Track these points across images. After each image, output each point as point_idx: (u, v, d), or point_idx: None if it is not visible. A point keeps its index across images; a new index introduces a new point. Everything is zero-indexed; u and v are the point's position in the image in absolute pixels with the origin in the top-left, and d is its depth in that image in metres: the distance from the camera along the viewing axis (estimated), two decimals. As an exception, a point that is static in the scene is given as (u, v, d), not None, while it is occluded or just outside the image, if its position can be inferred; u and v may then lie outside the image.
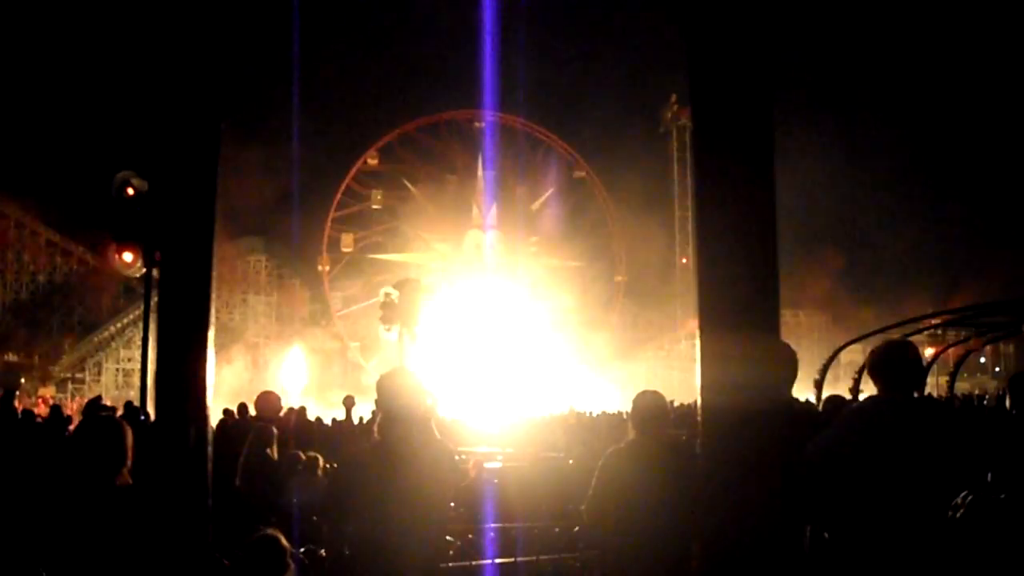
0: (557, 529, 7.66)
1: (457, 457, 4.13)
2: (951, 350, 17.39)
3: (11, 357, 37.57)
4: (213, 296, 2.05)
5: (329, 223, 41.80)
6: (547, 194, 45.59)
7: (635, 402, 4.29)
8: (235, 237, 40.46)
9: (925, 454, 3.29)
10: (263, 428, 7.39)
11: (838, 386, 11.12)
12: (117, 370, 40.51)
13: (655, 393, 4.37)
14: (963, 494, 3.48)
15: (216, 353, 2.07)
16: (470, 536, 7.01)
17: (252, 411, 9.90)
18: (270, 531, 3.84)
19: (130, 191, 7.93)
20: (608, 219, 46.17)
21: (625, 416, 5.83)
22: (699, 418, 1.89)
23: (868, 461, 3.30)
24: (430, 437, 3.79)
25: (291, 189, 41.49)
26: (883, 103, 51.17)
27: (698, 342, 1.84)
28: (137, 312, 34.77)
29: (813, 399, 9.88)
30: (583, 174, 46.04)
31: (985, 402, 18.15)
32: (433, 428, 3.88)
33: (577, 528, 7.08)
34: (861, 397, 7.86)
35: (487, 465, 10.58)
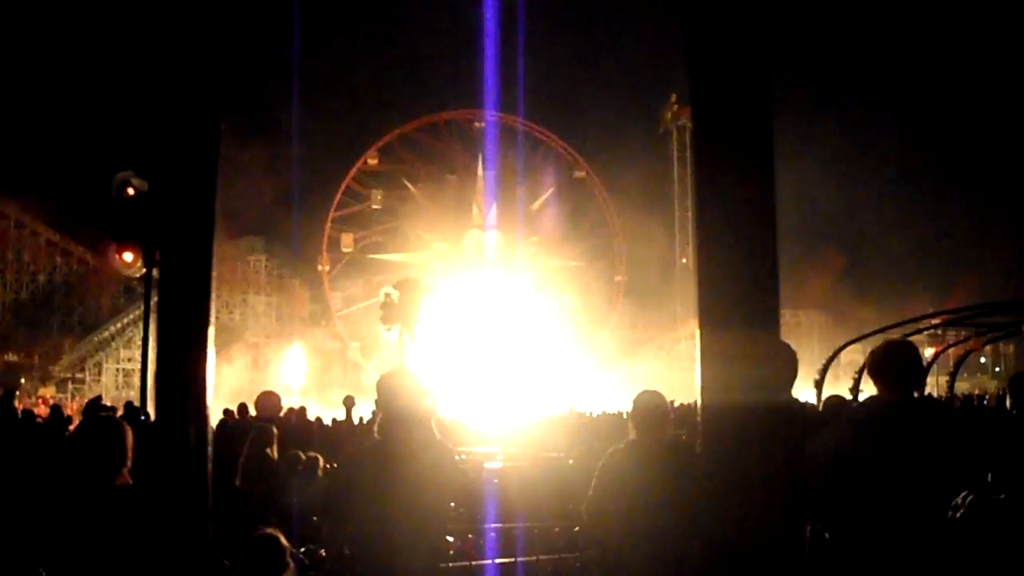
0: (557, 529, 7.66)
1: (457, 457, 4.13)
2: (951, 350, 17.40)
3: (11, 357, 37.58)
4: (213, 296, 2.05)
5: (329, 223, 41.81)
6: (547, 194, 45.60)
7: (635, 402, 4.29)
8: (235, 237, 40.52)
9: (925, 454, 3.29)
10: (263, 428, 7.38)
11: (838, 386, 11.11)
12: (117, 370, 40.52)
13: (655, 393, 4.37)
14: (963, 494, 3.48)
15: (216, 353, 2.07)
16: (470, 536, 7.01)
17: (252, 411, 9.90)
18: (269, 530, 3.84)
19: (130, 191, 7.93)
20: (608, 219, 46.18)
21: (625, 416, 5.83)
22: (699, 418, 1.89)
23: (868, 461, 3.30)
24: (430, 437, 3.79)
25: (291, 189, 41.58)
26: (884, 103, 51.18)
27: (698, 342, 1.84)
28: (137, 312, 34.77)
29: (813, 399, 9.88)
30: (583, 174, 46.03)
31: (985, 402, 18.14)
32: (433, 428, 3.87)
33: (577, 528, 7.08)
34: (861, 397, 7.87)
35: (487, 465, 10.58)
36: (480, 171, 44.69)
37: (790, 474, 2.69)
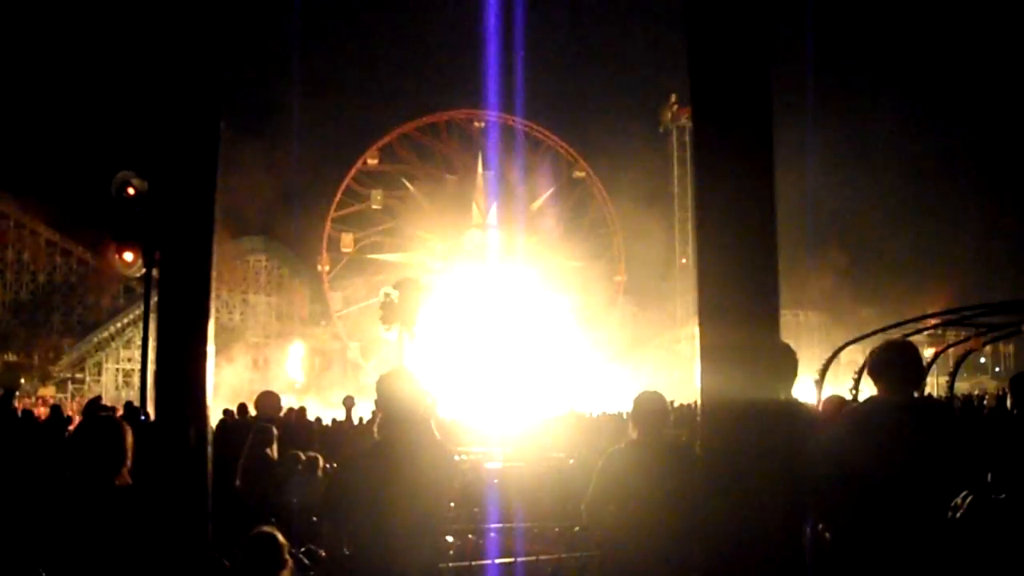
0: (557, 529, 7.66)
1: (456, 458, 4.13)
2: (951, 350, 17.40)
3: (11, 357, 37.58)
4: (213, 296, 2.05)
5: (329, 223, 41.78)
6: (547, 194, 45.59)
7: (635, 402, 4.29)
8: (235, 237, 40.52)
9: (925, 454, 3.29)
10: (263, 428, 7.38)
11: (838, 386, 11.11)
12: (117, 370, 40.53)
13: (655, 393, 4.37)
14: (963, 494, 3.48)
15: (216, 353, 2.07)
16: (470, 536, 7.01)
17: (252, 411, 9.90)
18: (266, 528, 3.84)
19: (130, 191, 7.93)
20: (608, 219, 46.17)
21: (625, 416, 5.83)
22: (699, 418, 1.89)
23: (868, 461, 3.30)
24: (430, 437, 3.79)
25: (291, 189, 41.63)
26: (884, 103, 51.18)
27: (698, 342, 1.84)
28: (137, 312, 34.78)
29: (813, 399, 9.87)
30: (583, 174, 46.03)
31: (985, 402, 18.14)
32: (433, 428, 3.87)
33: (577, 528, 7.08)
34: (861, 397, 7.87)
35: (487, 465, 10.58)
36: (480, 171, 44.68)
37: (789, 474, 2.70)
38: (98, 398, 15.66)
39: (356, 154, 42.81)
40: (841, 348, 12.92)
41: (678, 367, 41.59)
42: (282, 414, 10.01)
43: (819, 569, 3.51)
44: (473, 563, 6.40)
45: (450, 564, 5.97)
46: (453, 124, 45.56)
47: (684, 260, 48.40)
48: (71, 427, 10.63)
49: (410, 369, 4.03)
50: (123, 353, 40.52)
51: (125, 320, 40.21)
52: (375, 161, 43.27)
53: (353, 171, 42.57)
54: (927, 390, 13.88)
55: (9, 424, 10.41)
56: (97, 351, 40.59)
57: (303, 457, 7.51)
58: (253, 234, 43.45)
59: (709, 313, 1.83)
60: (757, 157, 1.82)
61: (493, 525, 7.45)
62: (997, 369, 47.97)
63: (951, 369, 16.13)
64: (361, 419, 12.12)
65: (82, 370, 40.14)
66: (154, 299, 7.39)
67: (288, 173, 40.06)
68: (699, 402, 1.86)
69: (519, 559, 6.80)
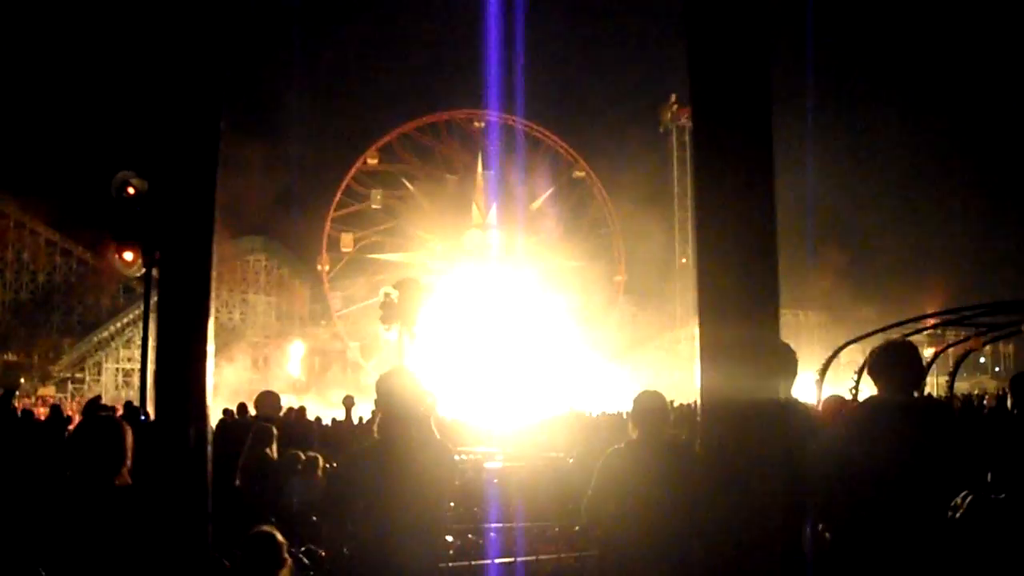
0: (557, 529, 7.66)
1: (456, 457, 4.13)
2: (951, 350, 17.40)
3: (11, 357, 37.59)
4: (213, 296, 2.04)
5: (329, 223, 41.79)
6: (547, 194, 45.59)
7: (635, 402, 4.29)
8: (235, 237, 40.53)
9: (925, 454, 3.29)
10: (263, 428, 7.38)
11: (838, 386, 11.11)
12: (117, 370, 40.54)
13: (655, 393, 4.38)
14: (963, 494, 3.48)
15: (216, 353, 2.07)
16: (470, 536, 7.01)
17: (252, 411, 9.90)
18: (265, 527, 3.84)
19: (130, 191, 7.93)
20: (608, 219, 46.17)
21: (625, 416, 5.83)
22: (699, 418, 1.89)
23: (869, 461, 3.30)
24: (430, 437, 3.79)
25: (291, 189, 41.64)
26: (885, 103, 51.18)
27: (697, 342, 1.83)
28: (137, 312, 34.80)
29: (813, 399, 9.87)
30: (583, 174, 46.03)
31: (985, 402, 18.14)
32: (433, 428, 3.88)
33: (577, 528, 7.08)
34: (861, 397, 7.86)
35: (487, 465, 10.59)
36: (480, 171, 44.70)
37: (790, 474, 2.69)
38: (98, 398, 15.67)
39: (356, 154, 42.87)
40: (841, 348, 12.92)
41: (678, 367, 41.61)
42: (282, 414, 10.01)
43: (819, 569, 3.52)
44: (473, 563, 6.40)
45: (450, 564, 5.97)
46: (453, 124, 45.58)
47: (684, 260, 48.41)
48: (71, 427, 10.63)
49: (410, 368, 4.03)
50: (123, 353, 40.53)
51: (125, 320, 40.22)
52: (375, 161, 43.28)
53: (353, 171, 42.58)
54: (927, 390, 13.85)
55: (9, 424, 10.42)
56: (97, 351, 40.60)
57: (303, 457, 7.51)
58: (253, 234, 43.48)
59: (709, 313, 1.83)
60: (757, 157, 1.82)
61: (493, 524, 7.46)
62: (997, 369, 48.00)
63: (951, 369, 16.13)
64: (361, 419, 12.12)
65: (82, 370, 40.15)
66: (154, 299, 7.38)
67: (288, 173, 40.12)
68: (699, 402, 1.85)
69: (519, 559, 6.81)
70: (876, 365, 3.56)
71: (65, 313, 42.14)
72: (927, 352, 17.81)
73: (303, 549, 5.53)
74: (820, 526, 3.63)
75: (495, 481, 9.49)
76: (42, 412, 17.80)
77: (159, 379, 2.03)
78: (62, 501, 3.18)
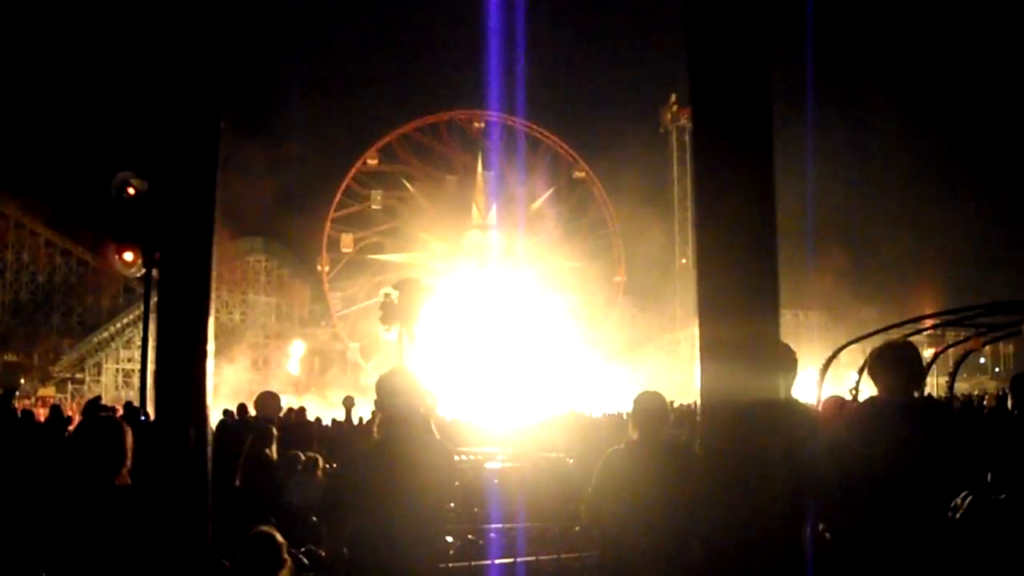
0: (557, 529, 7.66)
1: (457, 458, 4.13)
2: (951, 350, 17.38)
3: (11, 357, 37.58)
4: (213, 296, 2.05)
5: (329, 223, 41.79)
6: (547, 194, 45.60)
7: (636, 402, 4.29)
8: (235, 237, 40.50)
9: (926, 455, 3.29)
10: (263, 428, 7.38)
11: (838, 386, 11.10)
12: (117, 370, 40.52)
13: (655, 393, 4.38)
14: (963, 494, 3.48)
15: (216, 353, 2.07)
16: (470, 536, 7.01)
17: (252, 411, 9.90)
18: (265, 527, 3.84)
19: (130, 191, 7.92)
20: (608, 219, 46.17)
21: (625, 416, 5.83)
22: (699, 418, 1.89)
23: (869, 462, 3.30)
24: (430, 437, 3.79)
25: (291, 189, 41.62)
26: (885, 103, 51.18)
27: (698, 342, 1.84)
28: (137, 312, 34.78)
29: (813, 399, 9.87)
30: (583, 174, 46.03)
31: (985, 402, 18.14)
32: (433, 428, 3.88)
33: (577, 528, 7.08)
34: (861, 397, 7.86)
35: (488, 465, 10.58)
36: (480, 171, 44.70)
37: (790, 474, 2.70)
38: (98, 398, 15.67)
39: (356, 154, 42.87)
40: (841, 348, 12.90)
41: (678, 368, 41.60)
42: (282, 414, 10.01)
43: (819, 569, 3.52)
44: (473, 563, 6.40)
45: (450, 564, 5.97)
46: (453, 124, 45.59)
47: (684, 260, 48.41)
48: (71, 427, 10.64)
49: (410, 369, 4.03)
50: (123, 353, 40.50)
51: (125, 320, 40.20)
52: (375, 161, 43.29)
53: (353, 171, 42.58)
54: (927, 390, 13.85)
55: (9, 424, 10.42)
56: (97, 351, 40.58)
57: (303, 457, 7.51)
58: (253, 234, 43.45)
59: (709, 313, 1.83)
60: (757, 157, 1.82)
61: (493, 525, 7.46)
62: (997, 369, 48.00)
63: (951, 369, 16.13)
64: (361, 419, 12.12)
65: (82, 370, 40.13)
66: (154, 299, 7.39)
67: (288, 173, 40.10)
68: (699, 402, 1.85)
69: (519, 559, 6.80)
70: (876, 365, 3.56)
71: (65, 314, 42.14)
72: (927, 352, 17.80)
73: (303, 549, 5.53)
74: (820, 526, 3.63)
75: (495, 481, 9.49)
76: (42, 412, 17.80)
77: (159, 379, 2.03)
78: (62, 501, 3.18)
